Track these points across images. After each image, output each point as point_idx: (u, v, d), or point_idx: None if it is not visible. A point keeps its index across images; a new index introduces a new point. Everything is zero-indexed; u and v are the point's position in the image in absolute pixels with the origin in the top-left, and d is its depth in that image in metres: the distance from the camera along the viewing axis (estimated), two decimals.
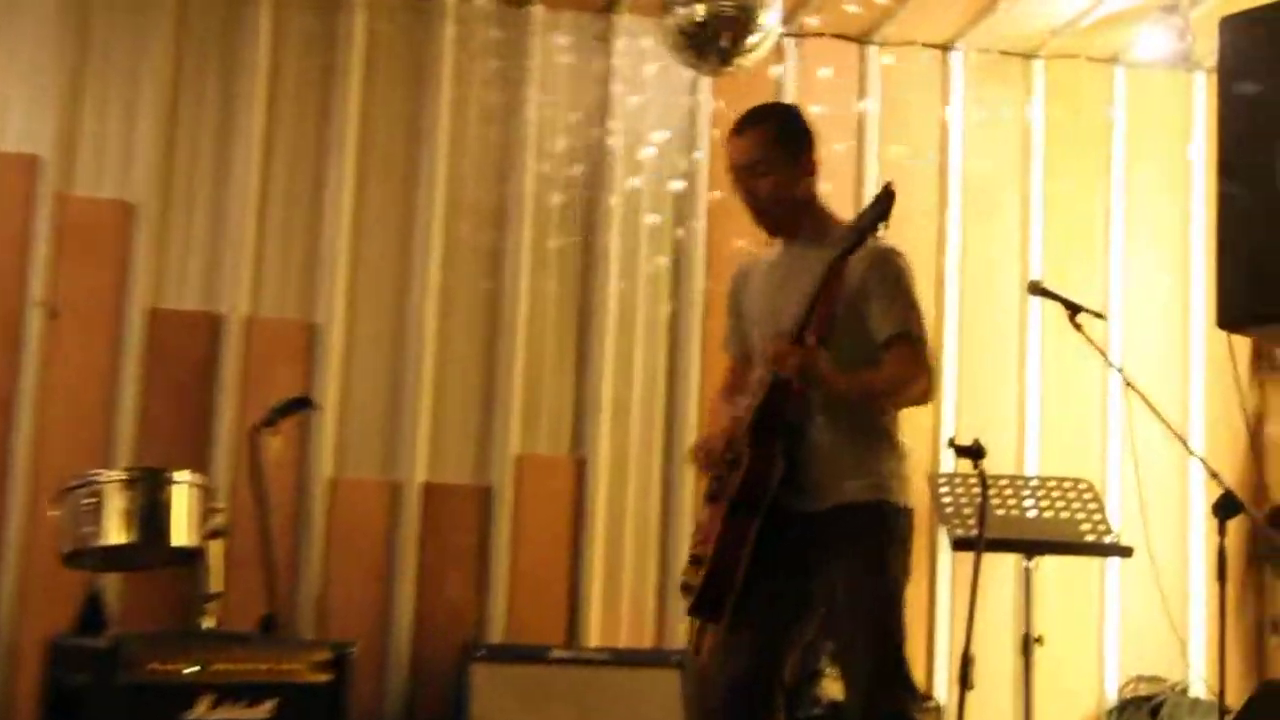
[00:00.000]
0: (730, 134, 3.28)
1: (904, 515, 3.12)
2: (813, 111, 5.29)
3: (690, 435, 5.14)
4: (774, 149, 3.19)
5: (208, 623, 4.06)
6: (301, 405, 4.52)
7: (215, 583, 4.10)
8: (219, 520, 4.17)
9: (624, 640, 5.03)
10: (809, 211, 3.24)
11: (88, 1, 5.00)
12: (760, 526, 3.01)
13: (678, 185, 5.34)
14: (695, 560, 3.12)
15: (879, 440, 3.14)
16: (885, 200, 2.99)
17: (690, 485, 5.12)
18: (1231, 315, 3.05)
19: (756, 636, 3.10)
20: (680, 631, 5.03)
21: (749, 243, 5.22)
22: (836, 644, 3.12)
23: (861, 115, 5.47)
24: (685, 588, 3.15)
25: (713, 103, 5.36)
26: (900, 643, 3.05)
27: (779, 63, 5.37)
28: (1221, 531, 3.55)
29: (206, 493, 4.18)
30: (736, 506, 3.03)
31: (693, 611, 3.11)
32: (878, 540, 3.07)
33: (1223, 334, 3.13)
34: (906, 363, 3.10)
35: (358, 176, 5.13)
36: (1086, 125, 5.63)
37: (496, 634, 4.94)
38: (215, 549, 4.14)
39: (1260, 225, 2.93)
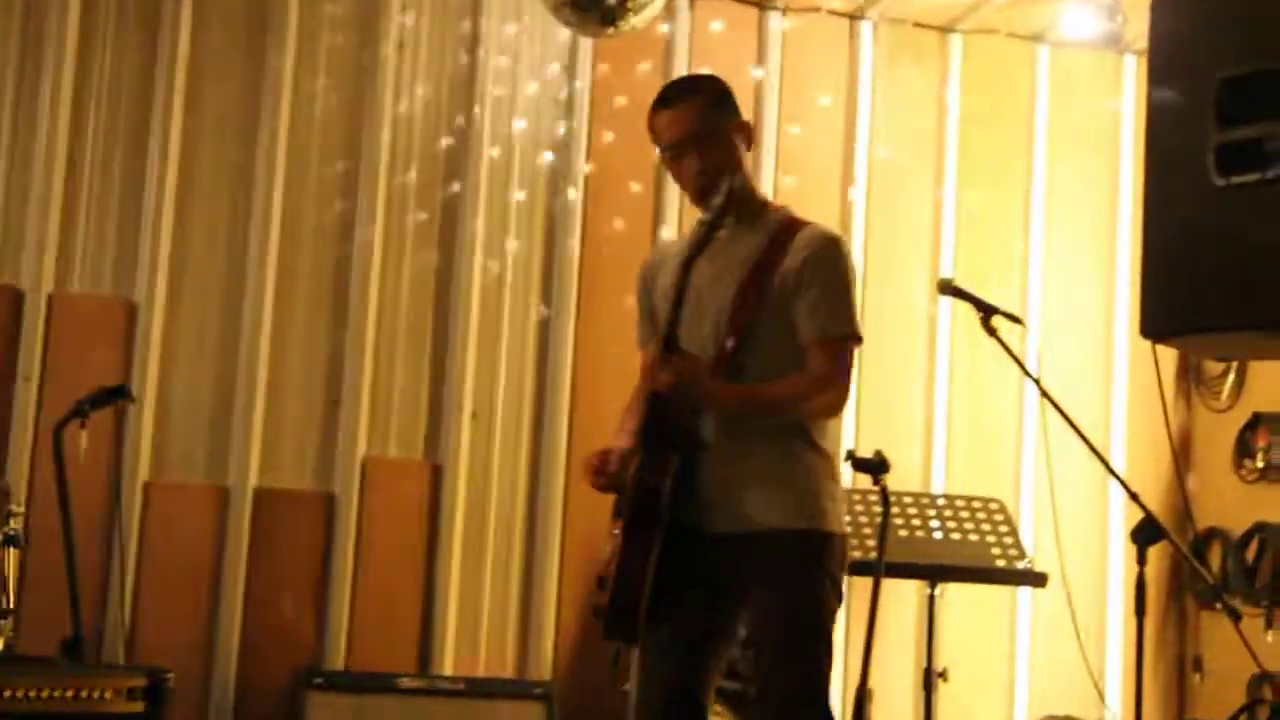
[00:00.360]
0: (656, 109, 3.33)
1: (838, 543, 3.20)
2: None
3: (560, 438, 5.20)
4: (706, 120, 3.27)
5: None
6: (115, 395, 4.44)
7: (8, 598, 4.05)
8: (14, 526, 4.11)
9: (482, 669, 5.06)
10: (745, 186, 3.26)
11: None
12: (663, 544, 3.07)
13: (550, 159, 5.38)
14: (601, 582, 3.18)
15: (804, 454, 3.20)
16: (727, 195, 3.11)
17: (560, 496, 5.17)
18: (1156, 324, 3.17)
19: (673, 663, 3.20)
20: (545, 660, 5.08)
21: (627, 223, 5.35)
22: (756, 679, 3.19)
23: (759, 85, 5.56)
24: (595, 611, 3.20)
25: (592, 68, 5.41)
26: (825, 682, 3.14)
27: (668, 23, 5.44)
28: (1141, 559, 3.67)
29: (1, 495, 4.15)
30: (632, 522, 3.09)
31: (605, 635, 3.18)
32: (809, 573, 3.14)
33: (1147, 344, 3.26)
34: (820, 370, 3.17)
35: (184, 132, 5.07)
36: (1006, 108, 5.79)
37: (337, 659, 4.94)
38: (9, 559, 4.08)
39: (1190, 225, 3.05)
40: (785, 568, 3.13)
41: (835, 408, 3.25)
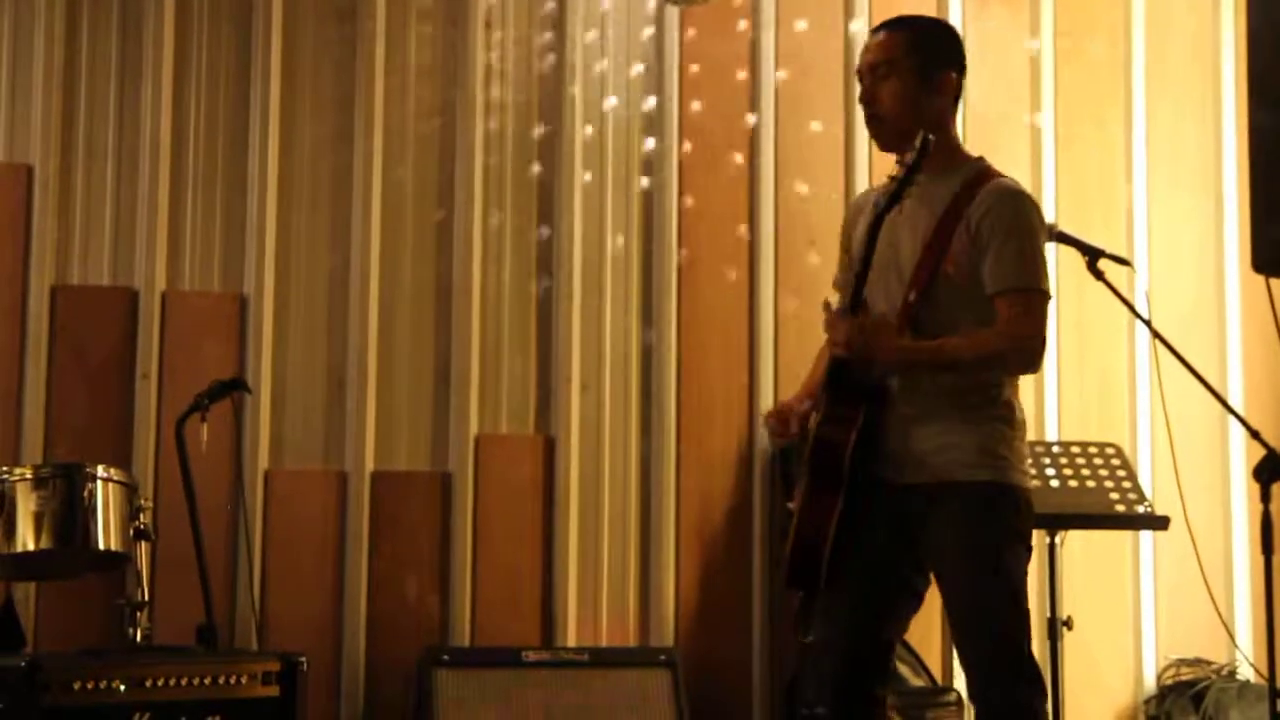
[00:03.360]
0: (868, 37, 3.43)
1: (1019, 494, 3.22)
2: (793, 38, 5.44)
3: (669, 405, 5.24)
4: (903, 55, 3.30)
5: (137, 635, 4.12)
6: (232, 387, 4.53)
7: (143, 591, 4.16)
8: (144, 520, 4.21)
9: (605, 639, 5.12)
10: (937, 138, 3.26)
11: None
12: (848, 497, 3.13)
13: (645, 136, 5.40)
14: (784, 532, 3.27)
15: (989, 409, 3.22)
16: (921, 150, 3.11)
17: (672, 461, 5.22)
18: (1268, 256, 3.15)
19: (858, 612, 3.26)
20: (667, 626, 5.13)
21: (715, 192, 5.36)
22: (954, 633, 3.26)
23: (848, 41, 5.54)
24: (778, 561, 3.33)
25: (681, 36, 5.42)
26: (1021, 636, 3.16)
27: None
28: (1265, 497, 3.63)
29: (129, 490, 4.23)
30: (815, 475, 3.16)
31: (787, 584, 3.27)
32: (989, 525, 3.16)
33: (1260, 278, 3.23)
34: (1009, 324, 3.17)
35: (283, 128, 5.16)
36: (1101, 47, 5.72)
37: (462, 636, 5.01)
38: (142, 552, 4.20)
39: None
40: (965, 520, 3.15)
41: (1029, 364, 3.26)
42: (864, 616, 3.28)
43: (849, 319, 3.13)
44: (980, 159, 3.41)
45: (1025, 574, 3.22)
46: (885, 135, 3.35)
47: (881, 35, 3.37)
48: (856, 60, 5.33)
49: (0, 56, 5.04)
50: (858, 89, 3.42)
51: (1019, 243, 3.20)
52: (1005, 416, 3.24)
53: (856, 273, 3.18)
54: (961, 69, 3.40)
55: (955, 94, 3.38)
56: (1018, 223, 3.22)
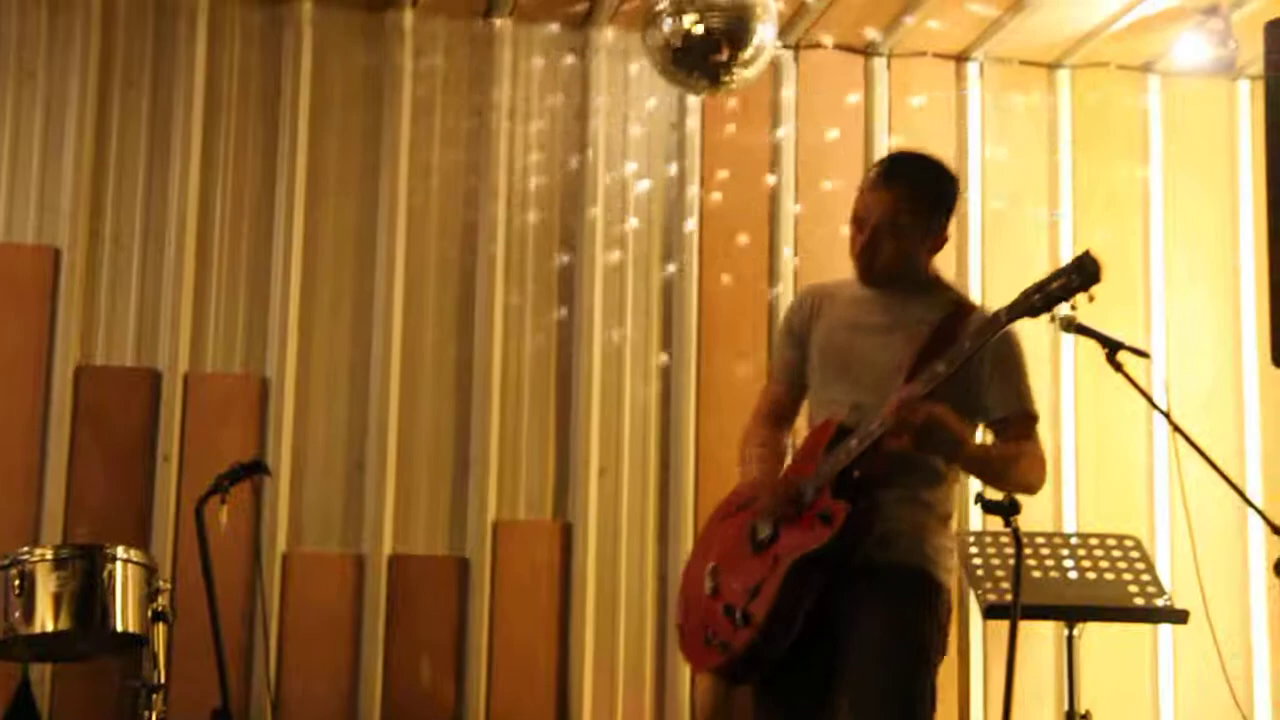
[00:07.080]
0: (872, 179, 3.37)
1: (946, 592, 3.27)
2: (819, 133, 5.49)
3: (687, 492, 5.24)
4: (911, 216, 3.30)
5: (152, 718, 4.10)
6: (252, 470, 4.52)
7: (159, 673, 4.14)
8: (162, 602, 4.20)
9: None
10: (920, 272, 3.38)
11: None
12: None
13: (665, 222, 5.45)
14: (733, 613, 3.20)
15: (932, 509, 3.27)
16: (1087, 270, 3.14)
17: (689, 548, 5.19)
18: None
19: (794, 694, 3.24)
20: (682, 715, 5.09)
21: (734, 280, 5.40)
22: (854, 711, 3.20)
23: (869, 135, 5.59)
24: (722, 647, 3.22)
25: (703, 128, 5.48)
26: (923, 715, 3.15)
27: (776, 80, 5.50)
28: None
29: (149, 571, 4.23)
30: (811, 565, 3.13)
31: (727, 672, 3.27)
32: (913, 606, 3.19)
33: (1279, 371, 3.23)
34: (1031, 445, 3.26)
35: (308, 213, 5.22)
36: (1120, 141, 5.76)
37: None
38: (159, 634, 4.18)
39: None
40: (888, 600, 3.16)
41: (1038, 485, 3.32)
42: (807, 710, 3.26)
43: (923, 405, 3.07)
44: (950, 284, 3.48)
45: (938, 662, 3.22)
46: (871, 276, 3.39)
47: (882, 191, 3.33)
48: (878, 157, 5.59)
49: (32, 142, 5.11)
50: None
51: (1023, 376, 3.31)
52: (942, 519, 3.30)
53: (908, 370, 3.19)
54: (955, 207, 3.45)
55: (946, 236, 3.45)
56: (1019, 360, 3.32)
